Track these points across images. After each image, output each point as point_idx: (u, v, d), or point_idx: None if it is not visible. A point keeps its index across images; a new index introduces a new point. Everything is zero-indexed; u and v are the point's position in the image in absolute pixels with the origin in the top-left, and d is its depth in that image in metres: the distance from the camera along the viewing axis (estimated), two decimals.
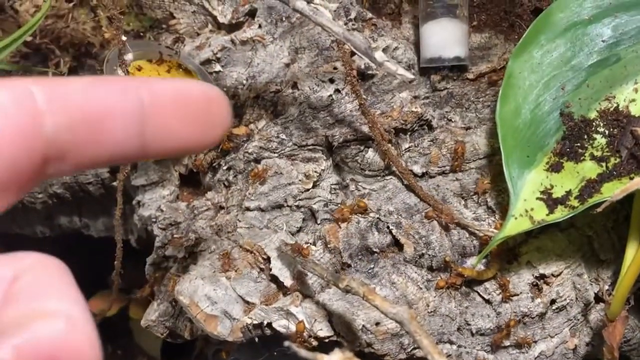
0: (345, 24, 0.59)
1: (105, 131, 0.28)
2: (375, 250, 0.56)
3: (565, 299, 0.57)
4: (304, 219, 0.57)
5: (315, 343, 0.54)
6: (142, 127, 0.30)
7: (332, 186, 0.59)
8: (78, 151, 0.28)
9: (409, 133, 0.59)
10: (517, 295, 0.56)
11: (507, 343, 0.56)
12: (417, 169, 0.59)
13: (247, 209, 0.58)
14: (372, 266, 0.56)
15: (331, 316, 0.54)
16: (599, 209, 0.48)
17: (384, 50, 0.59)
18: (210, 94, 0.33)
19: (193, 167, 0.63)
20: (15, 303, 0.23)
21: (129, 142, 0.29)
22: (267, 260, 0.56)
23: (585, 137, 0.54)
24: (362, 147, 0.58)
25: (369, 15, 0.61)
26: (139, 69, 0.59)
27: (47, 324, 0.23)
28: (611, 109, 0.54)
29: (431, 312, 0.55)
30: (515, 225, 0.52)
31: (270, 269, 0.55)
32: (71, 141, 0.27)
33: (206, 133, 0.33)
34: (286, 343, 0.45)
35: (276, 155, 0.59)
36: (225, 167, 0.61)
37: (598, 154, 0.53)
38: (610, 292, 0.56)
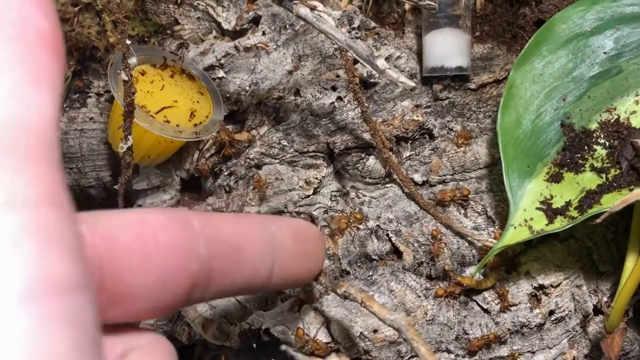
0: (349, 32, 0.59)
1: (245, 259, 0.31)
2: (374, 257, 0.56)
3: (564, 310, 0.56)
4: None
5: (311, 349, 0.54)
6: (273, 257, 0.33)
7: (333, 193, 0.59)
8: (222, 278, 0.29)
9: (410, 141, 0.59)
10: (516, 305, 0.56)
11: (504, 353, 0.56)
12: (418, 178, 0.59)
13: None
14: (370, 273, 0.56)
15: (329, 323, 0.54)
16: (599, 220, 0.48)
17: (387, 59, 0.59)
18: (316, 233, 0.38)
19: (195, 171, 0.63)
20: None
21: (261, 271, 0.32)
22: None
23: (586, 148, 0.54)
24: (363, 155, 0.58)
25: (373, 24, 0.61)
26: (143, 73, 0.59)
27: None
28: (612, 121, 0.54)
29: (429, 320, 0.55)
30: (515, 234, 0.52)
31: None
32: (218, 268, 0.29)
33: (313, 266, 0.38)
34: (283, 347, 0.46)
35: (277, 161, 0.59)
36: (226, 173, 0.61)
37: (598, 165, 0.53)
38: (609, 304, 0.56)
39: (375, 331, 0.53)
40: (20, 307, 0.17)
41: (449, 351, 0.56)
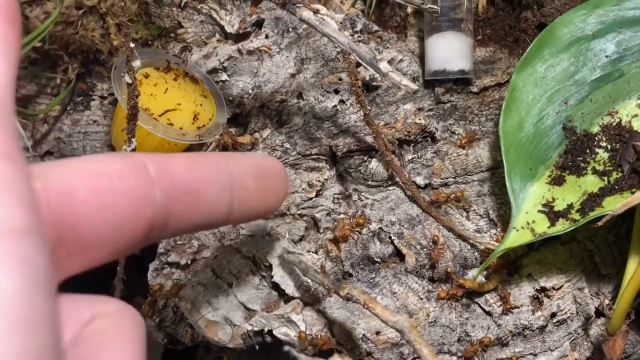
0: (351, 35, 0.59)
1: (202, 201, 0.31)
2: (376, 260, 0.56)
3: (565, 313, 0.57)
4: (306, 228, 0.58)
5: (313, 351, 0.54)
6: (232, 196, 0.33)
7: (335, 195, 0.59)
8: (178, 219, 0.30)
9: (412, 144, 0.60)
10: (518, 307, 0.56)
11: (506, 355, 0.56)
12: (420, 180, 0.59)
13: None
14: (373, 276, 0.56)
15: (332, 324, 0.54)
16: (600, 223, 0.48)
17: (389, 62, 0.59)
18: (278, 167, 0.38)
19: None
20: (81, 347, 0.24)
21: (220, 210, 0.33)
22: (269, 267, 0.56)
23: (588, 151, 0.54)
24: (365, 158, 0.58)
25: (375, 27, 0.61)
26: (146, 76, 0.60)
27: None
28: (614, 124, 0.54)
29: (431, 322, 0.55)
30: (517, 237, 0.52)
31: (272, 277, 0.55)
32: (174, 211, 0.29)
33: (274, 201, 0.38)
34: (286, 348, 0.46)
35: None
36: None
37: (600, 168, 0.53)
38: (610, 307, 0.56)
39: (377, 333, 0.54)
40: None
41: (451, 353, 0.56)
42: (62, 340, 0.21)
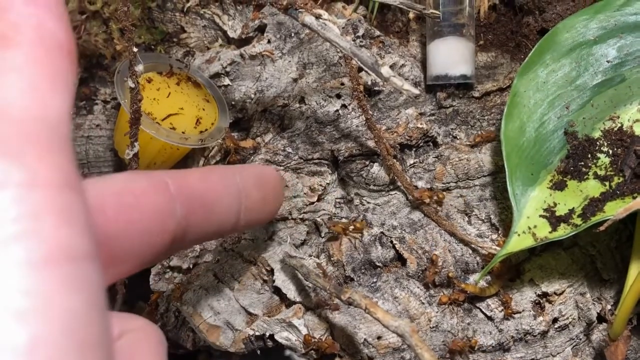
0: (353, 40, 0.59)
1: (215, 212, 0.34)
2: (378, 264, 0.56)
3: (567, 318, 0.56)
4: (308, 232, 0.58)
5: (315, 355, 0.54)
6: (239, 206, 0.36)
7: (337, 200, 0.59)
8: (195, 230, 0.32)
9: (414, 149, 0.60)
10: (520, 312, 0.56)
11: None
12: (422, 185, 0.59)
13: None
14: (374, 280, 0.56)
15: (333, 329, 0.54)
16: (602, 228, 0.48)
17: (391, 67, 0.60)
18: (276, 177, 0.42)
19: None
20: None
21: (229, 219, 0.36)
22: (271, 272, 0.56)
23: (589, 156, 0.54)
24: (367, 162, 0.58)
25: (377, 32, 0.62)
26: (149, 80, 0.60)
27: None
28: (615, 129, 0.54)
29: (433, 327, 0.55)
30: (518, 242, 0.52)
31: (274, 281, 0.55)
32: (192, 222, 0.32)
33: (274, 208, 0.41)
34: (287, 352, 0.46)
35: (282, 168, 0.59)
36: None
37: (602, 173, 0.53)
38: (612, 312, 0.56)
39: (379, 338, 0.54)
40: (40, 271, 0.19)
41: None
42: (113, 355, 0.23)
